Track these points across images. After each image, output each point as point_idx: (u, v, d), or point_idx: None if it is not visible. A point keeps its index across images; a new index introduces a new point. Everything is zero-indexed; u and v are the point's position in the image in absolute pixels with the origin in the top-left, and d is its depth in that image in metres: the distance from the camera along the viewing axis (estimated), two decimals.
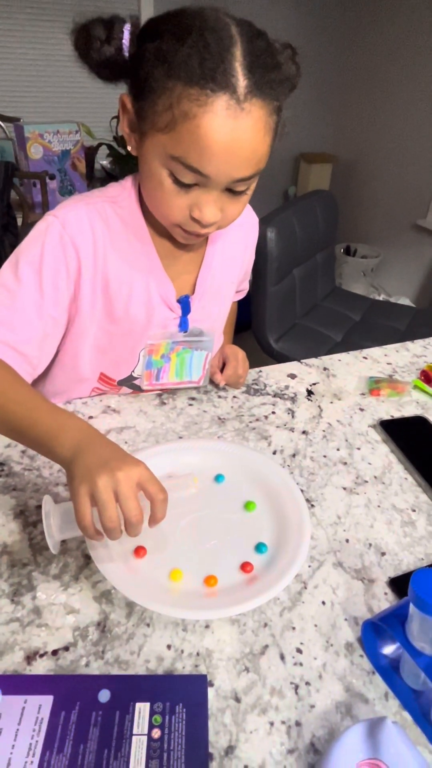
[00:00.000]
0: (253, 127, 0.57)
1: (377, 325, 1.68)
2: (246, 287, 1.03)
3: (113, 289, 0.75)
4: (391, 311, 1.89)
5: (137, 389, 0.89)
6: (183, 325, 0.84)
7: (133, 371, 0.86)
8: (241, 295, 1.03)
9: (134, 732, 0.45)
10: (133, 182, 0.74)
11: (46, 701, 0.47)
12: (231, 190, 0.63)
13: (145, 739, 0.45)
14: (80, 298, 0.73)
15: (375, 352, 1.07)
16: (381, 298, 2.99)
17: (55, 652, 0.51)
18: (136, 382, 0.87)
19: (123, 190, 0.74)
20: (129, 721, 0.46)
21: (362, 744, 0.43)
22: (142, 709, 0.47)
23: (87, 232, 0.70)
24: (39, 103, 2.74)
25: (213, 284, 0.84)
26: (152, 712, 0.47)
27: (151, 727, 0.46)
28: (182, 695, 0.48)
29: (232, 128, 0.56)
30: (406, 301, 2.86)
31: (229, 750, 0.45)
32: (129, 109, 0.63)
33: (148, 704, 0.47)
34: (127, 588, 0.55)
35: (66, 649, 0.52)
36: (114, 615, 0.55)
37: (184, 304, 0.82)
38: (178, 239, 0.72)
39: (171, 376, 0.88)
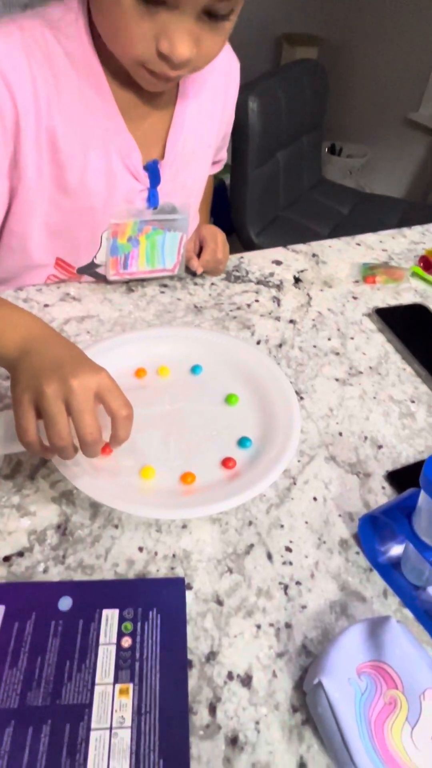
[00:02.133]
0: None
1: (367, 220, 1.54)
2: (224, 157, 0.88)
3: (64, 152, 0.60)
4: (382, 205, 1.73)
5: (102, 279, 0.76)
6: (152, 200, 0.70)
7: (95, 257, 0.73)
8: (219, 167, 0.89)
9: (101, 641, 0.39)
10: (80, 0, 0.57)
11: None
12: (209, 14, 0.48)
13: (113, 648, 0.39)
14: (22, 162, 0.59)
15: (369, 238, 0.96)
16: None
17: (7, 558, 0.44)
18: (100, 270, 0.75)
19: (67, 11, 0.57)
20: (94, 630, 0.40)
21: (363, 645, 0.37)
22: (110, 616, 0.41)
23: (23, 70, 0.54)
24: None
25: (186, 147, 0.70)
26: (122, 620, 0.40)
27: (120, 635, 0.40)
28: (156, 600, 0.42)
29: None
30: None
31: (211, 656, 0.40)
32: None
33: (116, 611, 0.41)
34: (92, 488, 0.47)
35: (20, 554, 0.45)
36: (76, 517, 0.48)
37: (153, 171, 0.68)
38: (142, 84, 0.57)
39: (141, 263, 0.76)
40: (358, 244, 0.93)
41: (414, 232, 0.99)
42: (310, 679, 0.37)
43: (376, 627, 0.38)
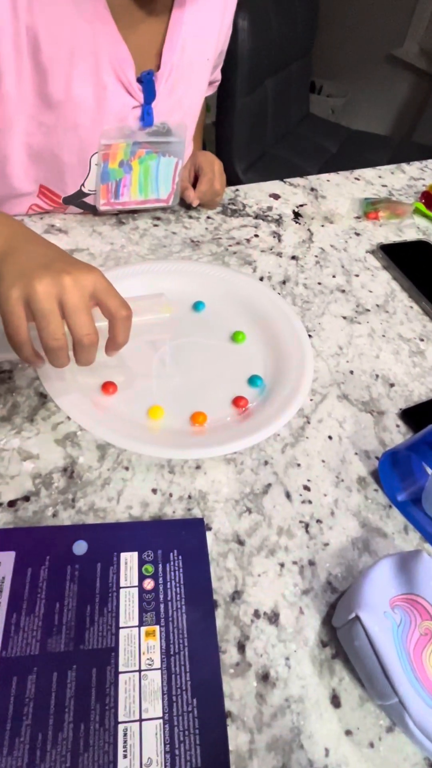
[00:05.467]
0: None
1: (357, 158, 1.48)
2: (218, 77, 0.81)
3: (47, 55, 0.53)
4: (371, 142, 1.66)
5: (90, 210, 0.70)
6: (146, 118, 0.63)
7: (83, 184, 0.67)
8: (212, 89, 0.82)
9: (122, 585, 0.37)
10: None
11: (7, 558, 0.37)
12: None
13: (135, 591, 0.37)
14: (1, 69, 0.52)
15: (368, 173, 0.91)
16: None
17: (12, 504, 0.41)
18: (88, 200, 0.69)
19: None
20: (114, 573, 0.38)
21: (394, 579, 0.37)
22: (129, 558, 0.39)
23: None
24: None
25: (183, 59, 0.63)
26: (141, 562, 0.38)
27: (141, 577, 0.38)
28: (176, 541, 0.40)
29: None
30: None
31: (236, 595, 0.39)
32: None
33: (135, 553, 0.39)
34: (98, 427, 0.44)
35: (26, 499, 0.42)
36: (83, 459, 0.45)
37: (148, 84, 0.61)
38: None
39: (133, 192, 0.70)
40: (357, 179, 0.89)
41: (413, 168, 0.95)
42: (342, 614, 0.36)
43: (407, 561, 0.37)
